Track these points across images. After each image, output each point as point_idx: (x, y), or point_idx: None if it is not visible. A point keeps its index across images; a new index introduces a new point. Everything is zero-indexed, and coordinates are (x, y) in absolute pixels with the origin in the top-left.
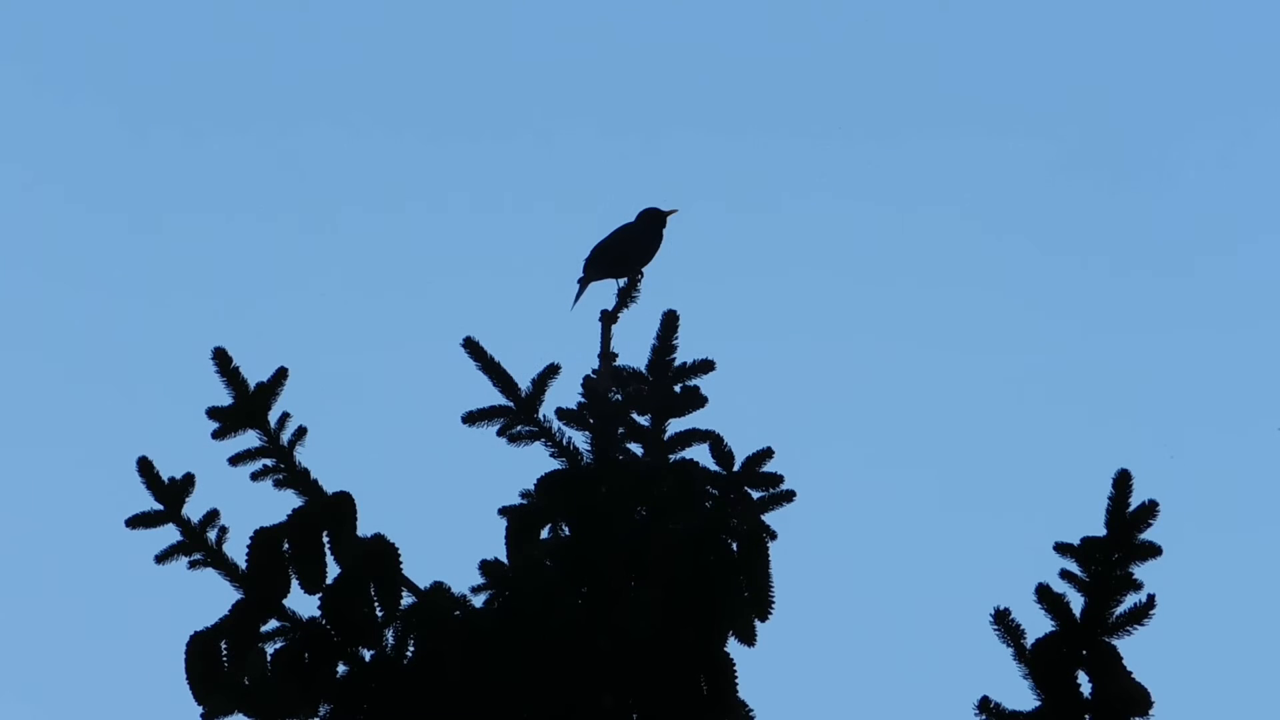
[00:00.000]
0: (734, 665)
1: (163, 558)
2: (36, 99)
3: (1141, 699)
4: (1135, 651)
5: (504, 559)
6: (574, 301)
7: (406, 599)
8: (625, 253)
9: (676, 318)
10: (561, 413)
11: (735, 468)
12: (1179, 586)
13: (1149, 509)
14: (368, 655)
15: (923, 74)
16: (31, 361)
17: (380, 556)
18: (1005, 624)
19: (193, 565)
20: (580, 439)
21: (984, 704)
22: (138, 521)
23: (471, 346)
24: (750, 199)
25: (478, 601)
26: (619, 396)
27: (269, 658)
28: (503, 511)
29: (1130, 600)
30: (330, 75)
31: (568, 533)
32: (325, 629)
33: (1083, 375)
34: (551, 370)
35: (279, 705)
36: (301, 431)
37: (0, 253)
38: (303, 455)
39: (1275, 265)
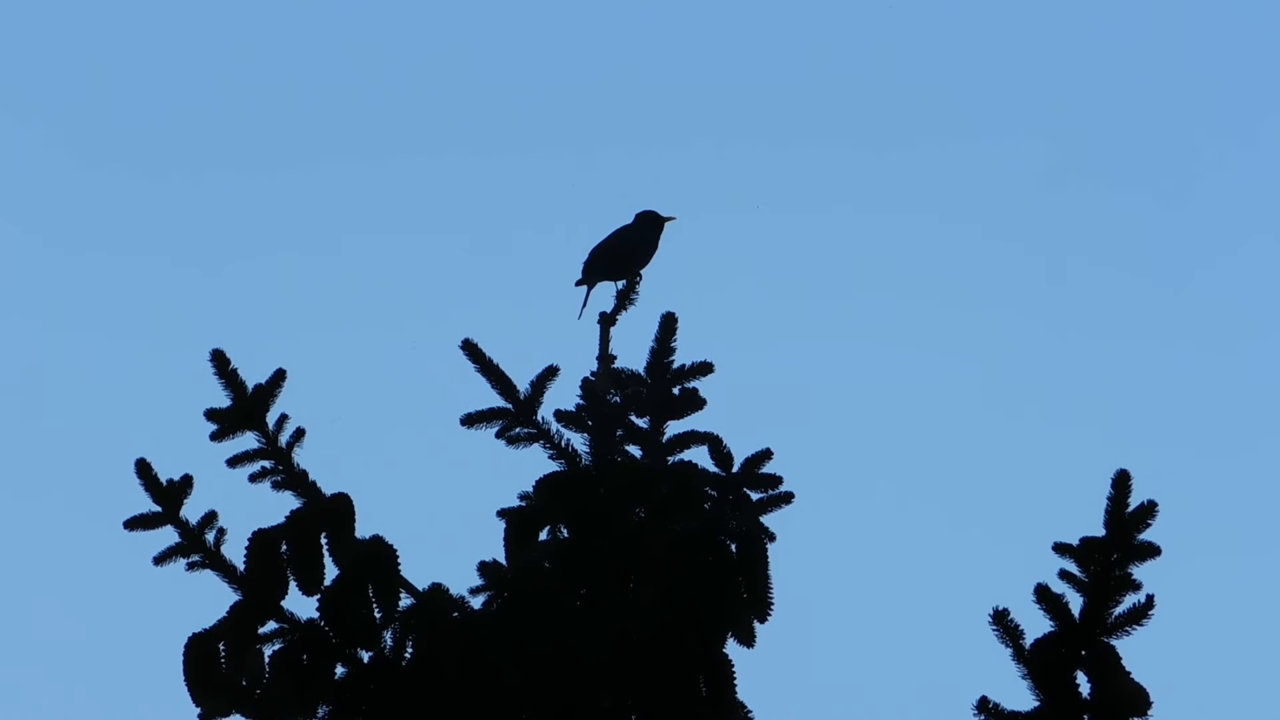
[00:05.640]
0: (733, 666)
1: (161, 559)
2: (31, 117)
3: (1140, 699)
4: (1134, 652)
5: (503, 560)
6: (581, 308)
7: (405, 600)
8: (624, 253)
9: (675, 320)
10: (560, 415)
11: (734, 469)
12: (1178, 587)
13: (1148, 509)
14: (366, 657)
15: (918, 82)
16: (31, 363)
17: (378, 558)
18: (1004, 624)
19: (191, 567)
20: (579, 441)
21: (983, 704)
22: (136, 523)
23: (470, 348)
24: (748, 201)
25: (476, 603)
26: (618, 398)
27: (267, 659)
28: (501, 513)
29: (1129, 600)
30: (325, 81)
31: (566, 534)
32: (324, 630)
33: (1081, 376)
34: (550, 372)
35: (277, 707)
36: (300, 433)
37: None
38: (301, 457)
39: (1273, 271)
